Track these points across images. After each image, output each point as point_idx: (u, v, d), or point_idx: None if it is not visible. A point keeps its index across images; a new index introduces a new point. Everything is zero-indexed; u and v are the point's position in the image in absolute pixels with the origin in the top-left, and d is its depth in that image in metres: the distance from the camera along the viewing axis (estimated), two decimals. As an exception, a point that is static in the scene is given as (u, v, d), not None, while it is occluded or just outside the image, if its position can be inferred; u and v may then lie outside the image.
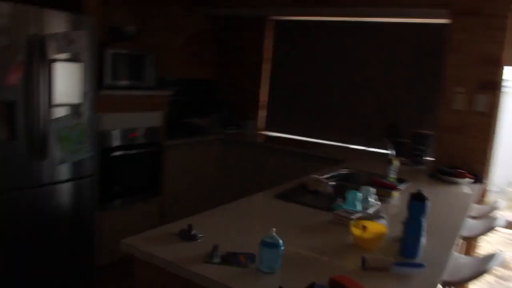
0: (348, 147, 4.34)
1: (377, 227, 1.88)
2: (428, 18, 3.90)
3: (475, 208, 3.04)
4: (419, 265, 1.66)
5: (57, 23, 2.74)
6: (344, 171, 3.21)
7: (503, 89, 3.40)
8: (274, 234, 1.55)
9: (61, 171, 2.90)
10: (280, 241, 1.54)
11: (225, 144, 4.58)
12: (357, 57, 4.47)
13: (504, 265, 4.08)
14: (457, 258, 2.19)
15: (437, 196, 2.83)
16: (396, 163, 2.77)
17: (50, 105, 2.77)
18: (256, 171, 4.32)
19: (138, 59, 3.60)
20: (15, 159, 2.65)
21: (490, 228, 2.53)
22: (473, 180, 3.24)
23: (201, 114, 5.02)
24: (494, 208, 2.91)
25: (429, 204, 1.77)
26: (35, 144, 2.72)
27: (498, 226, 2.60)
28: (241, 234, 1.91)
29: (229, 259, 1.61)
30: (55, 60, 2.75)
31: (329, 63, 4.64)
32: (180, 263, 1.56)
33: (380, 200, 2.53)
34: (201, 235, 1.79)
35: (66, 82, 2.84)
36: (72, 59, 2.87)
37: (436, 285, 1.58)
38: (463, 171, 3.29)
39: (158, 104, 3.77)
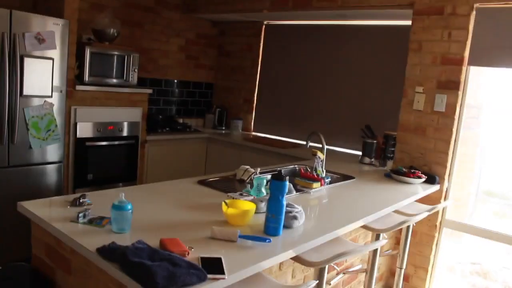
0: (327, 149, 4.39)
1: (246, 205, 2.00)
2: (397, 19, 3.94)
3: (415, 206, 3.05)
4: (263, 239, 1.77)
5: (29, 23, 3.11)
6: (291, 166, 3.32)
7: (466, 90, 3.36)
8: (123, 198, 1.73)
9: (30, 155, 3.25)
10: (128, 205, 1.72)
11: (209, 143, 4.83)
12: (334, 59, 4.59)
13: (484, 274, 3.95)
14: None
15: (366, 191, 2.90)
16: (321, 156, 2.84)
17: (21, 96, 3.13)
18: (234, 167, 4.48)
19: (118, 58, 3.91)
20: (-15, 142, 3.02)
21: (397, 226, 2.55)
22: (422, 180, 3.23)
23: (194, 114, 5.38)
24: (433, 208, 2.89)
25: (287, 184, 1.88)
26: (4, 129, 3.07)
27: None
28: (140, 207, 2.07)
29: (94, 220, 1.82)
30: (26, 56, 3.11)
31: (309, 66, 4.79)
32: (48, 220, 1.79)
33: (301, 190, 2.65)
34: (89, 203, 2.02)
35: (36, 76, 3.19)
36: (43, 56, 3.22)
37: (272, 256, 1.68)
38: (417, 171, 3.28)
39: (137, 101, 4.07)
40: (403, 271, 3.16)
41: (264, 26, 5.18)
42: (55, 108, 3.33)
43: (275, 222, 1.87)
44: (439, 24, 3.32)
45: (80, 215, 1.81)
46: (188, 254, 1.56)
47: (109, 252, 1.49)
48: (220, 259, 1.55)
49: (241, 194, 2.28)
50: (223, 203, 1.98)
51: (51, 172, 3.40)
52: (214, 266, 1.49)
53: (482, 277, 3.95)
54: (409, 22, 3.52)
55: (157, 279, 1.32)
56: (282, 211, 1.87)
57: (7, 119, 3.08)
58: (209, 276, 1.42)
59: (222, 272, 1.46)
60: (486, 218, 4.25)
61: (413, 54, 3.48)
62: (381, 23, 4.25)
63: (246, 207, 1.99)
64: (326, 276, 2.10)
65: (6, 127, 3.08)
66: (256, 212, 2.05)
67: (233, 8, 4.60)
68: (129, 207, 1.72)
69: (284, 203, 1.88)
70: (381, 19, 4.12)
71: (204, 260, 1.53)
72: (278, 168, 1.95)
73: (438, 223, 3.48)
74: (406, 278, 3.62)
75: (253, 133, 5.26)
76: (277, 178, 1.87)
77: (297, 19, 4.77)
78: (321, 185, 2.73)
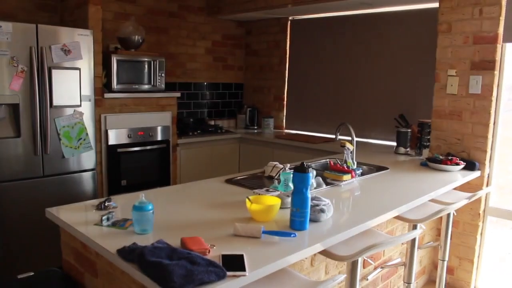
0: (361, 141, 4.28)
1: (270, 200, 1.95)
2: (424, 3, 3.80)
3: (454, 194, 2.90)
4: (288, 234, 1.72)
5: (55, 36, 3.19)
6: (322, 160, 3.24)
7: (502, 69, 3.18)
8: (144, 199, 1.72)
9: (63, 164, 3.32)
10: (149, 206, 1.71)
11: (241, 143, 4.80)
12: (362, 50, 4.46)
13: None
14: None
15: (400, 181, 2.78)
16: (350, 147, 2.75)
17: (51, 107, 3.21)
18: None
19: (144, 64, 3.95)
20: (20, 154, 3.11)
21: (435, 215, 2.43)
22: (461, 167, 3.07)
23: (226, 115, 5.38)
24: (473, 196, 2.74)
25: (311, 176, 1.82)
26: (37, 140, 3.16)
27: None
28: (164, 208, 2.07)
29: (117, 223, 1.82)
30: (54, 68, 3.19)
31: (336, 58, 4.69)
32: (73, 225, 1.80)
33: (331, 183, 2.58)
34: (114, 206, 2.03)
35: (65, 86, 3.27)
36: (71, 67, 3.29)
37: (297, 251, 1.62)
38: (454, 158, 3.13)
39: (166, 105, 4.09)
40: (445, 263, 3.01)
41: (289, 22, 5.12)
42: (85, 117, 3.40)
43: (300, 216, 1.81)
44: (468, 2, 3.16)
45: (104, 218, 1.82)
46: (209, 252, 1.52)
47: (128, 252, 1.48)
48: (242, 256, 1.51)
49: (267, 190, 2.23)
50: (246, 199, 1.93)
51: (85, 180, 3.47)
52: (235, 263, 1.45)
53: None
54: (436, 4, 3.37)
55: (174, 278, 1.30)
56: (307, 204, 1.81)
57: (40, 130, 3.16)
58: (229, 273, 1.38)
59: (243, 269, 1.42)
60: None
61: (442, 36, 3.32)
62: (407, 8, 4.08)
63: (270, 202, 1.94)
64: (359, 270, 2.01)
65: (39, 138, 3.16)
66: (282, 207, 2.00)
67: (256, 6, 4.56)
68: (150, 207, 1.71)
69: (309, 196, 1.82)
70: (406, 3, 3.96)
71: (225, 257, 1.49)
72: (302, 161, 1.89)
73: (481, 212, 3.31)
74: (450, 271, 3.46)
75: (285, 131, 5.20)
76: (300, 170, 1.81)
77: (321, 11, 4.67)
78: (352, 177, 2.64)
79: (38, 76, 3.12)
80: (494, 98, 3.16)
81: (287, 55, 5.17)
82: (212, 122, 5.17)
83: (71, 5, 3.77)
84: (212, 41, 5.22)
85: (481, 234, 3.36)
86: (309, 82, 4.98)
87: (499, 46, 3.11)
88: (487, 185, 3.26)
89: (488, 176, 3.27)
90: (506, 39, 3.10)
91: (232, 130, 5.08)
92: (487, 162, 3.21)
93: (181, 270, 1.33)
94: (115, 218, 1.86)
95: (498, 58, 3.12)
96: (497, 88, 3.18)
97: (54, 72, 3.19)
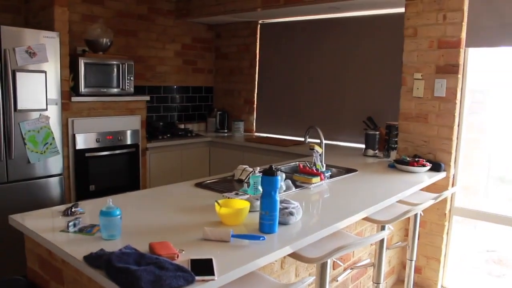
0: (330, 144, 4.33)
1: (239, 204, 1.95)
2: (390, 8, 3.89)
3: (421, 195, 2.97)
4: (257, 237, 1.72)
5: (20, 38, 3.10)
6: (292, 163, 3.26)
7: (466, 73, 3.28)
8: (111, 204, 1.69)
9: (29, 170, 3.23)
10: (117, 211, 1.68)
11: (211, 146, 4.79)
12: (331, 53, 4.53)
13: (499, 261, 3.84)
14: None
15: (369, 183, 2.83)
16: (319, 150, 2.78)
17: (16, 111, 3.12)
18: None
19: (113, 68, 3.89)
20: (-18, 159, 3.01)
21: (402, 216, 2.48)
22: (428, 168, 3.15)
23: (196, 119, 5.36)
24: (439, 196, 2.81)
25: (280, 179, 1.82)
26: (0, 145, 3.06)
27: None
28: (133, 213, 2.05)
29: (84, 229, 1.78)
30: (18, 71, 3.10)
31: (306, 62, 4.74)
32: (38, 232, 1.75)
33: (300, 186, 2.59)
34: (81, 212, 1.98)
35: (30, 90, 3.18)
36: (36, 70, 3.21)
37: (267, 254, 1.62)
38: (421, 159, 3.20)
39: (135, 109, 4.04)
40: (413, 263, 3.08)
41: (259, 26, 5.15)
42: (51, 121, 3.32)
43: (269, 219, 1.81)
44: (432, 8, 3.25)
45: (70, 224, 1.78)
46: (178, 257, 1.51)
47: (95, 259, 1.45)
48: (211, 260, 1.50)
49: (236, 194, 2.23)
50: (216, 203, 1.93)
51: (52, 185, 3.38)
52: (204, 268, 1.44)
53: (499, 265, 3.84)
54: (402, 9, 3.45)
55: (142, 284, 1.28)
56: (275, 207, 1.82)
57: (3, 134, 3.07)
58: (198, 278, 1.37)
59: (212, 273, 1.41)
60: (500, 204, 4.13)
61: (409, 40, 3.40)
62: (375, 12, 4.17)
63: (239, 206, 1.94)
64: (328, 272, 2.03)
65: (2, 143, 3.07)
66: (252, 211, 2.00)
67: (225, 9, 4.56)
68: (118, 212, 1.68)
69: (278, 199, 1.82)
70: (374, 8, 4.04)
71: (194, 262, 1.48)
72: (271, 165, 1.89)
73: (447, 212, 3.39)
74: (418, 270, 3.53)
75: (256, 134, 5.21)
76: (268, 173, 1.82)
77: (291, 15, 4.71)
78: (321, 179, 2.66)
79: (2, 79, 3.03)
80: (458, 101, 3.25)
81: (257, 59, 5.19)
82: (182, 126, 5.13)
83: (36, 6, 3.68)
84: (181, 44, 5.19)
85: (447, 233, 3.45)
86: (279, 85, 5.01)
87: (462, 51, 3.20)
88: (452, 186, 3.35)
89: (454, 177, 3.36)
90: (469, 44, 3.20)
91: (202, 133, 5.06)
92: (452, 163, 3.30)
93: (149, 276, 1.32)
94: (82, 224, 1.82)
95: (461, 62, 3.21)
96: (461, 91, 3.27)
97: (18, 75, 3.10)
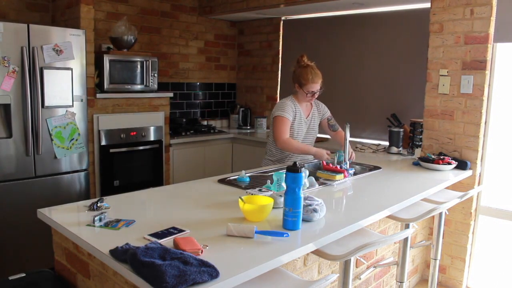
0: (354, 141, 4.30)
1: (263, 200, 1.95)
2: (416, 3, 3.83)
3: (446, 193, 2.92)
4: (281, 234, 1.72)
5: (47, 36, 3.16)
6: (315, 160, 3.25)
7: (494, 68, 3.21)
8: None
9: (56, 165, 3.30)
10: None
11: (234, 143, 4.81)
12: (355, 50, 4.48)
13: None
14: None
15: (393, 181, 2.79)
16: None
17: (43, 107, 3.19)
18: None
19: (136, 64, 3.94)
20: (11, 154, 3.08)
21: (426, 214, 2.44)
22: (453, 166, 3.09)
23: (219, 115, 5.40)
24: (464, 195, 2.75)
25: (304, 176, 1.82)
26: (28, 141, 3.14)
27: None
28: (157, 208, 2.10)
29: (110, 223, 1.81)
30: (46, 68, 3.17)
31: (329, 58, 4.69)
32: (65, 225, 1.79)
33: (324, 183, 2.58)
34: (107, 206, 2.02)
35: (57, 87, 3.25)
36: (62, 67, 3.27)
37: (290, 250, 1.62)
38: (446, 157, 3.15)
39: (158, 105, 4.09)
40: (438, 262, 3.03)
41: (282, 22, 5.13)
42: (77, 117, 3.38)
43: (293, 215, 1.81)
44: (460, 2, 3.18)
45: (96, 218, 1.81)
46: (201, 252, 1.52)
47: (121, 253, 1.47)
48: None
49: (260, 190, 2.23)
50: (239, 199, 1.93)
51: (78, 180, 3.45)
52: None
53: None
54: (428, 4, 3.39)
55: (167, 278, 1.29)
56: (299, 204, 1.81)
57: (31, 130, 3.14)
58: (222, 273, 1.38)
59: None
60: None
61: (434, 36, 3.34)
62: (400, 8, 4.11)
63: (263, 202, 1.94)
64: (352, 270, 2.02)
65: (30, 139, 3.14)
66: (275, 207, 2.01)
67: (248, 6, 4.56)
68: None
69: (301, 195, 1.82)
70: (399, 3, 3.98)
71: (218, 257, 1.49)
72: (294, 161, 1.89)
73: (473, 210, 3.33)
74: (442, 270, 3.48)
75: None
76: (292, 170, 1.82)
77: (313, 11, 4.68)
78: (345, 177, 2.65)
79: (30, 76, 3.10)
80: (485, 98, 3.18)
81: (280, 55, 5.18)
82: (205, 122, 5.17)
83: (62, 4, 3.75)
84: (204, 41, 5.22)
85: (472, 233, 3.39)
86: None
87: (490, 46, 3.13)
88: (478, 184, 3.29)
89: (480, 175, 3.30)
90: (497, 39, 3.13)
91: (225, 130, 5.08)
92: (478, 161, 3.24)
93: (174, 270, 1.33)
94: (108, 219, 1.85)
95: (489, 58, 3.14)
96: (488, 87, 3.20)
97: (45, 72, 3.17)
